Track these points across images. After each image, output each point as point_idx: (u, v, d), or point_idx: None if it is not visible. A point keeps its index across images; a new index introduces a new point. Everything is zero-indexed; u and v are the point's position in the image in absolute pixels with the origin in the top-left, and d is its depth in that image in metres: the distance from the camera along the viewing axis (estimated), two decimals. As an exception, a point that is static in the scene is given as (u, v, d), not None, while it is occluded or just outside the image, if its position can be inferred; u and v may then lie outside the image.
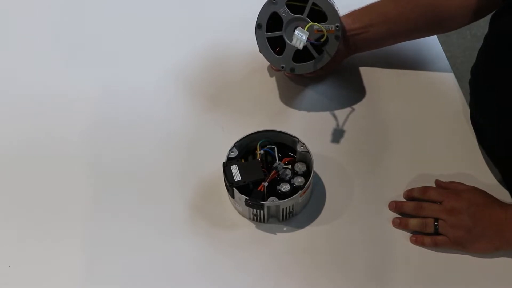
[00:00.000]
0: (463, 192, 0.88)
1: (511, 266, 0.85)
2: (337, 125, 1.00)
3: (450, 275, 0.85)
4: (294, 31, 0.92)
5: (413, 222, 0.88)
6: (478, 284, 0.84)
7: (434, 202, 0.88)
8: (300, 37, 0.91)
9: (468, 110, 1.02)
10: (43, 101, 1.05)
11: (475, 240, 0.84)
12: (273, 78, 1.07)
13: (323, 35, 0.95)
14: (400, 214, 0.90)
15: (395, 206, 0.90)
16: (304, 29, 0.92)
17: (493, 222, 0.84)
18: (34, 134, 1.00)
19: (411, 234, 0.88)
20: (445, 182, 0.92)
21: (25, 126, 1.01)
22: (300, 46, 0.92)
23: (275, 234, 0.88)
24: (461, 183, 0.91)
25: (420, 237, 0.87)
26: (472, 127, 1.00)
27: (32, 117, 1.03)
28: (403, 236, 0.88)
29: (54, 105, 1.04)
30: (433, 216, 0.87)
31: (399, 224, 0.88)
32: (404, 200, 0.91)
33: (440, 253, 0.86)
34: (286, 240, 0.88)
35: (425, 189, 0.90)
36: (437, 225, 0.86)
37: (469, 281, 0.84)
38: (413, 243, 0.87)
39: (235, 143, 0.90)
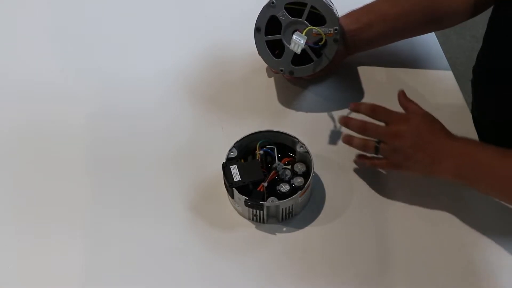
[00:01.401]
0: (412, 116, 0.87)
1: None
2: (337, 125, 1.01)
3: (450, 275, 0.85)
4: (292, 35, 0.92)
5: (357, 141, 0.89)
6: (478, 284, 0.84)
7: (382, 121, 0.89)
8: (298, 42, 0.91)
9: (468, 111, 1.02)
10: (41, 96, 1.05)
11: (412, 165, 0.85)
12: (273, 79, 1.07)
13: (322, 38, 0.95)
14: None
15: (343, 121, 0.91)
16: (302, 32, 0.92)
17: (434, 150, 0.83)
18: (32, 128, 1.01)
19: (411, 235, 0.88)
20: (405, 99, 0.91)
21: (23, 119, 1.02)
22: (298, 51, 0.92)
23: (275, 234, 0.88)
24: (419, 107, 0.89)
25: (363, 158, 0.90)
26: (473, 127, 1.00)
27: (29, 111, 1.03)
28: (403, 236, 0.88)
29: (52, 112, 1.04)
30: (376, 137, 0.87)
31: (345, 140, 0.91)
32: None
33: (440, 253, 0.86)
34: (285, 240, 0.88)
35: (373, 107, 0.89)
36: (379, 147, 0.86)
37: (469, 281, 0.84)
38: (356, 161, 0.91)
39: (234, 144, 0.91)
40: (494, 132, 0.96)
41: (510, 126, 0.93)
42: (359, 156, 0.90)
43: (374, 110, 0.88)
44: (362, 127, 0.88)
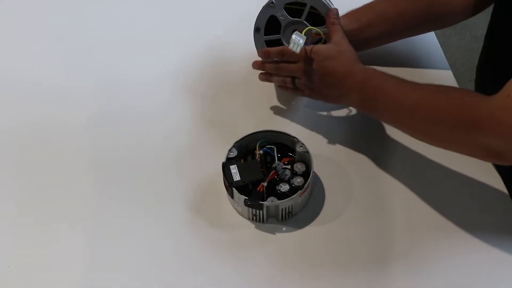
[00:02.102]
0: (320, 51, 0.92)
1: None
2: (336, 125, 1.01)
3: (450, 275, 0.84)
4: (291, 35, 0.92)
5: (275, 78, 0.98)
6: (478, 285, 0.84)
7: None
8: (297, 41, 0.91)
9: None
10: (41, 97, 1.05)
11: (324, 95, 0.94)
12: (273, 79, 1.08)
13: (321, 38, 0.95)
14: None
15: (257, 66, 0.99)
16: (301, 33, 0.92)
17: (341, 81, 0.90)
18: (32, 129, 1.01)
19: (411, 235, 0.88)
20: (332, 20, 0.94)
21: (23, 120, 1.02)
22: (297, 51, 0.92)
23: (275, 234, 0.88)
24: (334, 33, 0.93)
25: (284, 88, 0.99)
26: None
27: (30, 112, 1.03)
28: (403, 236, 0.88)
29: (52, 113, 1.04)
30: (289, 75, 0.95)
31: (263, 78, 1.00)
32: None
33: (440, 254, 0.86)
34: (285, 240, 0.88)
35: (281, 50, 0.94)
36: (294, 81, 0.95)
37: (470, 281, 0.84)
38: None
39: (234, 143, 0.91)
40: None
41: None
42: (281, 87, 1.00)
43: (283, 53, 0.94)
44: (277, 69, 0.96)
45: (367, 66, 0.91)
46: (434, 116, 0.82)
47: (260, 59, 0.98)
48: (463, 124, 0.78)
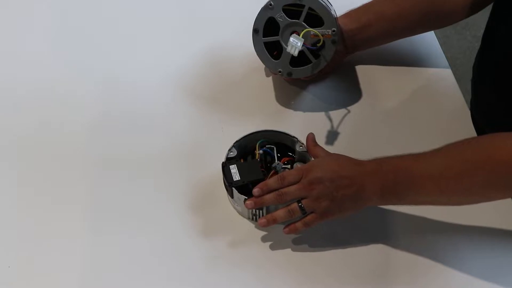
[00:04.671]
0: (318, 162, 0.84)
1: None
2: (336, 124, 1.01)
3: (450, 275, 0.85)
4: (289, 37, 0.92)
5: (280, 214, 0.84)
6: (479, 283, 0.84)
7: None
8: (295, 44, 0.91)
9: (467, 110, 1.02)
10: (43, 101, 1.05)
11: (340, 205, 0.82)
12: (272, 78, 1.07)
13: (320, 39, 0.95)
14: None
15: (254, 204, 0.84)
16: (299, 35, 0.92)
17: (354, 180, 0.81)
18: (35, 132, 1.01)
19: (412, 235, 0.88)
20: (313, 144, 0.87)
21: (27, 123, 1.02)
22: (295, 53, 0.92)
23: (274, 234, 0.88)
24: (323, 150, 0.86)
25: (292, 226, 0.84)
26: (471, 127, 1.00)
27: (32, 116, 1.03)
28: (403, 237, 0.88)
29: (52, 112, 1.05)
30: (295, 197, 0.82)
31: (267, 223, 0.84)
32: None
33: (440, 254, 0.86)
34: (285, 240, 0.88)
35: (281, 177, 0.83)
36: (302, 205, 0.82)
37: (470, 281, 0.84)
38: (288, 234, 0.85)
39: (234, 143, 0.91)
40: (492, 131, 0.96)
41: (508, 126, 0.93)
42: (287, 226, 0.85)
43: (282, 178, 0.83)
44: (278, 197, 0.83)
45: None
46: (466, 169, 0.77)
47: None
48: (501, 167, 0.75)
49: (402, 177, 0.80)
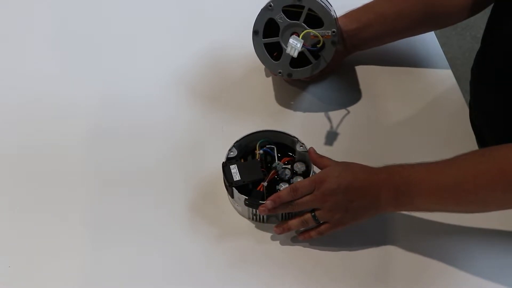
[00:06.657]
0: (330, 171, 0.83)
1: None
2: (336, 124, 1.01)
3: (451, 276, 0.85)
4: (289, 39, 0.92)
5: (294, 223, 0.85)
6: (480, 284, 0.84)
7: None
8: (294, 45, 0.91)
9: (467, 111, 1.02)
10: (44, 107, 1.05)
11: (355, 214, 0.82)
12: (272, 78, 1.08)
13: (320, 40, 0.95)
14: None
15: (282, 230, 0.85)
16: (299, 36, 0.92)
17: (367, 189, 0.81)
18: (35, 140, 1.00)
19: (412, 235, 0.88)
20: (317, 156, 0.87)
21: (26, 132, 1.01)
22: (295, 54, 0.92)
23: (275, 234, 0.88)
24: (330, 160, 0.86)
25: (306, 234, 0.85)
26: (471, 128, 1.00)
27: (32, 124, 1.03)
28: (403, 236, 0.88)
29: (56, 105, 1.04)
30: (310, 207, 0.83)
31: (282, 231, 0.85)
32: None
33: (440, 254, 0.86)
34: (285, 240, 0.88)
35: (294, 189, 0.83)
36: (315, 215, 0.83)
37: (470, 281, 0.84)
38: (302, 240, 0.86)
39: (234, 143, 0.91)
40: (491, 133, 0.96)
41: (507, 127, 0.93)
42: (301, 234, 0.86)
43: (294, 190, 0.82)
44: (291, 207, 0.83)
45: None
46: (483, 182, 0.77)
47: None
48: None
49: (416, 191, 0.80)
